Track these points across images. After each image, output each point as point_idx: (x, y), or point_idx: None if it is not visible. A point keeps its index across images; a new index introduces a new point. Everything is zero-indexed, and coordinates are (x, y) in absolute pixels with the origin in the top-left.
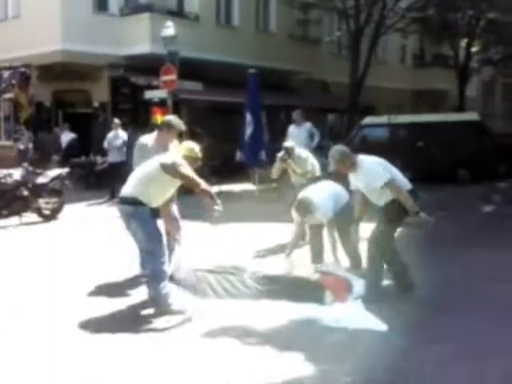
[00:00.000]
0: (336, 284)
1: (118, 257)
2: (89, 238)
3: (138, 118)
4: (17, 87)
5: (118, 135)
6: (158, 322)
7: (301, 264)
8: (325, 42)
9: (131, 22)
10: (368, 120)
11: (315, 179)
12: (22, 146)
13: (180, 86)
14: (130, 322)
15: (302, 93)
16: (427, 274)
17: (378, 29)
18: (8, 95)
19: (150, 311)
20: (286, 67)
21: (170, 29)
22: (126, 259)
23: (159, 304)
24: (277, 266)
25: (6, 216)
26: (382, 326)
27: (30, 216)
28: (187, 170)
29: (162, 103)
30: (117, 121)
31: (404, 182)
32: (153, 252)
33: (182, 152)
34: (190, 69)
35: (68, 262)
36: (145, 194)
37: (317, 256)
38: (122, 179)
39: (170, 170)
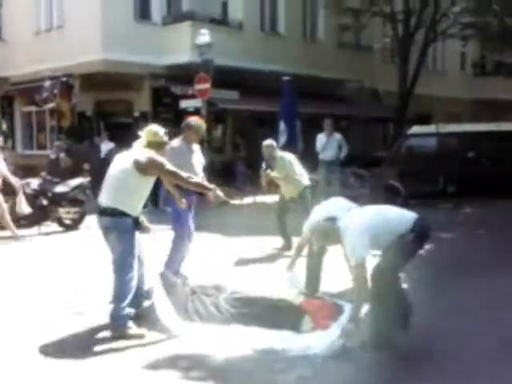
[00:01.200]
0: (321, 310)
1: None
2: (105, 249)
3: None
4: (58, 97)
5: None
6: (108, 346)
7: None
8: (375, 49)
9: (173, 31)
10: (414, 129)
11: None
12: (52, 156)
13: (215, 95)
14: (82, 344)
15: (352, 102)
16: (435, 304)
17: (430, 35)
18: (50, 105)
19: (107, 333)
20: (334, 75)
21: (205, 36)
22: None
23: (117, 326)
24: (267, 286)
25: (26, 226)
26: (359, 351)
27: (50, 225)
28: (168, 165)
29: (197, 113)
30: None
31: (403, 223)
32: (122, 267)
33: (144, 138)
34: (233, 78)
35: (73, 274)
36: (125, 203)
37: (311, 279)
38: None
39: (149, 169)
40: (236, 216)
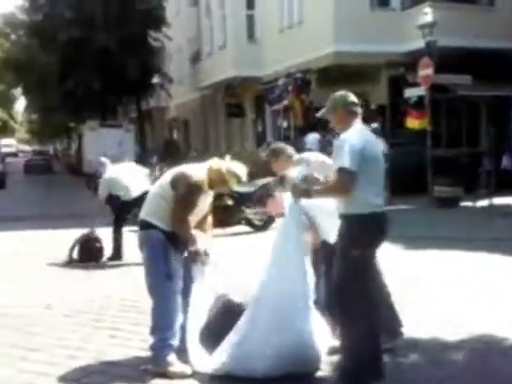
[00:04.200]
0: None
1: None
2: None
3: None
4: (292, 94)
5: None
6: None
7: None
8: None
9: (411, 15)
10: None
11: None
12: (262, 154)
13: (442, 81)
14: (122, 376)
15: None
16: None
17: None
18: (283, 102)
19: (149, 367)
20: None
21: (427, 15)
22: None
23: (157, 360)
24: None
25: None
26: None
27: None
28: (193, 201)
29: (419, 102)
30: None
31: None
32: (159, 292)
33: (223, 165)
34: (472, 61)
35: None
36: (156, 213)
37: None
38: None
39: (176, 185)
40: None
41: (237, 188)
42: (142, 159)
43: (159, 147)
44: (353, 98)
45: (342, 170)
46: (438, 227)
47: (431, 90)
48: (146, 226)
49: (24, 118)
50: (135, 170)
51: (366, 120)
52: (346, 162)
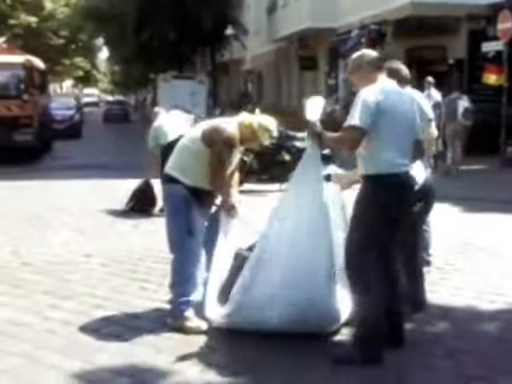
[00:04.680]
0: None
1: None
2: None
3: None
4: (365, 46)
5: (429, 95)
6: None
7: None
8: None
9: None
10: None
11: None
12: (328, 108)
13: None
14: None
15: None
16: None
17: None
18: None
19: (167, 321)
20: None
21: None
22: None
23: (175, 314)
24: None
25: (266, 181)
26: None
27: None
28: (228, 157)
29: (497, 57)
30: (430, 79)
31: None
32: (179, 247)
33: (254, 120)
34: None
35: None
36: (182, 168)
37: None
38: None
39: (209, 141)
40: None
41: (296, 143)
42: (211, 111)
43: (229, 100)
44: (376, 53)
45: (349, 127)
46: (505, 190)
47: (510, 45)
48: (169, 180)
49: (107, 69)
50: (180, 117)
51: (444, 75)
52: (354, 118)
